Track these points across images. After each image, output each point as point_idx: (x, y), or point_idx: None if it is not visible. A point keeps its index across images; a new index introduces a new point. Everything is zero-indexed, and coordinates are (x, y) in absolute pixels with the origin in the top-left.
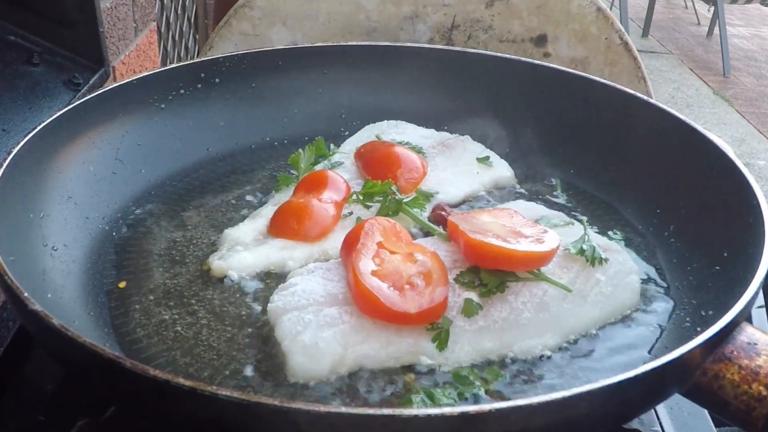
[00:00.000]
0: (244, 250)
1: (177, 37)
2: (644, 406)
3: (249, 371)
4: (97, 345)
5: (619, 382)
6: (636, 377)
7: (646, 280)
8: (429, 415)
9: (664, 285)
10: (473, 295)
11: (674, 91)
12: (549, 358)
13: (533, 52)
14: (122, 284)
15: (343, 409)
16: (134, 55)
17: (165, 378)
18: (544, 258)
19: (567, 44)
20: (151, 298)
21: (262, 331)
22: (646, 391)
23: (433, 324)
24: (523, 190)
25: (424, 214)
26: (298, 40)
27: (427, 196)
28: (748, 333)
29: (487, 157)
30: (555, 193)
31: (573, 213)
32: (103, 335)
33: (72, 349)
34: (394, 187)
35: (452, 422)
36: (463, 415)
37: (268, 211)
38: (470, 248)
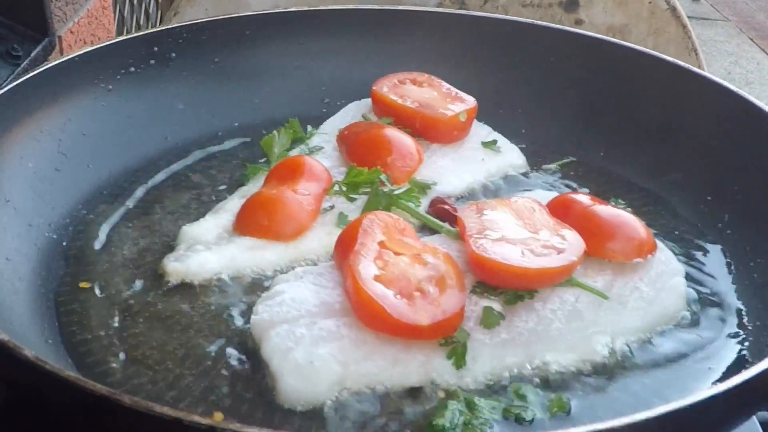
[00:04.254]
0: (205, 249)
1: (136, 1)
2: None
3: (225, 393)
4: (61, 370)
5: (693, 405)
6: (717, 396)
7: (696, 282)
8: None
9: (718, 287)
10: (494, 303)
11: (731, 66)
12: (584, 374)
13: (563, 19)
14: (84, 285)
15: None
16: (84, 22)
17: (132, 404)
18: (564, 273)
19: (603, 9)
20: (113, 311)
21: (241, 344)
22: (729, 411)
23: (448, 338)
24: (538, 180)
25: (419, 210)
26: (280, 2)
27: (423, 188)
28: None
29: (495, 142)
30: (586, 182)
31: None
32: (54, 353)
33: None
34: (383, 176)
35: None
36: None
37: (233, 205)
38: (474, 263)
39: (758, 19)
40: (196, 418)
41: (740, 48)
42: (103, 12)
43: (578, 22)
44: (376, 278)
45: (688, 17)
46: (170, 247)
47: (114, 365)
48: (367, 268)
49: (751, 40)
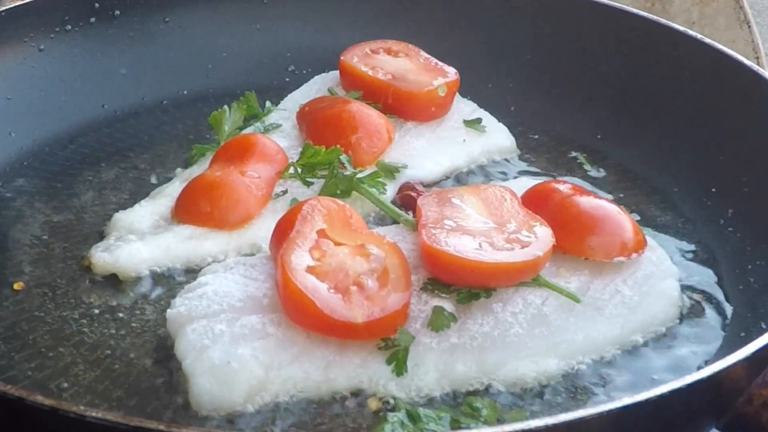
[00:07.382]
0: (138, 239)
1: None
2: None
3: (140, 399)
4: None
5: (626, 407)
6: (648, 401)
7: (690, 284)
8: None
9: (716, 290)
10: (445, 303)
11: None
12: (546, 389)
13: None
14: None
15: None
16: None
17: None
18: (527, 270)
19: None
20: (18, 301)
21: (162, 346)
22: (666, 422)
23: (388, 340)
24: (529, 167)
25: (387, 196)
26: None
27: (391, 172)
28: None
29: (479, 120)
30: (579, 168)
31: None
32: None
33: None
34: (343, 158)
35: None
36: None
37: (173, 189)
38: (425, 256)
39: None
40: (39, 399)
41: None
42: None
43: None
44: (310, 270)
45: None
46: (89, 228)
47: (5, 354)
48: (300, 258)
49: None
